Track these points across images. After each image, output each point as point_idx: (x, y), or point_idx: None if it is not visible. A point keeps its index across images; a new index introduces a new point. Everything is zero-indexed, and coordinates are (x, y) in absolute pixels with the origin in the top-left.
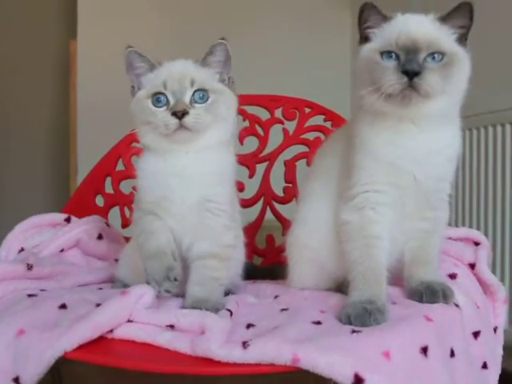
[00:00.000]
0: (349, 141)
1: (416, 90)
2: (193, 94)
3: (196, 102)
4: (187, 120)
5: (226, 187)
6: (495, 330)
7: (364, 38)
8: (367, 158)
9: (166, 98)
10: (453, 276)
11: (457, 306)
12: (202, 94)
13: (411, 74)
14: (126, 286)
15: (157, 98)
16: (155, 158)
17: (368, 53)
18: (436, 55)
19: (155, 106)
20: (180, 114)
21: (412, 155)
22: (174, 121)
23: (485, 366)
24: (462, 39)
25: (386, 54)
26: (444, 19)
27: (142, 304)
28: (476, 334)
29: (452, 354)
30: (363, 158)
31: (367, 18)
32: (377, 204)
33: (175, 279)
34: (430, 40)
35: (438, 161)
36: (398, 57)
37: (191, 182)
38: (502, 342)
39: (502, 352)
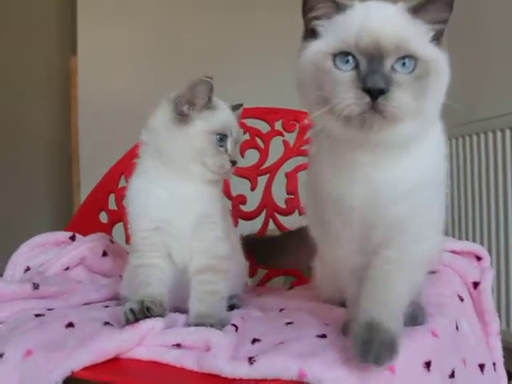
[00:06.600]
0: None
1: (380, 113)
2: None
3: None
4: None
5: (218, 201)
6: (494, 365)
7: (310, 32)
8: (312, 187)
9: None
10: (461, 298)
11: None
12: None
13: (375, 93)
14: None
15: None
16: (148, 183)
17: (316, 55)
18: (407, 61)
19: None
20: None
21: (363, 195)
22: None
23: None
24: (439, 37)
25: (341, 57)
26: (417, 11)
27: (151, 335)
28: (482, 366)
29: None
30: (309, 185)
31: (315, 3)
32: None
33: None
34: (400, 40)
35: (400, 196)
36: (356, 62)
37: (189, 204)
38: (505, 379)
39: None
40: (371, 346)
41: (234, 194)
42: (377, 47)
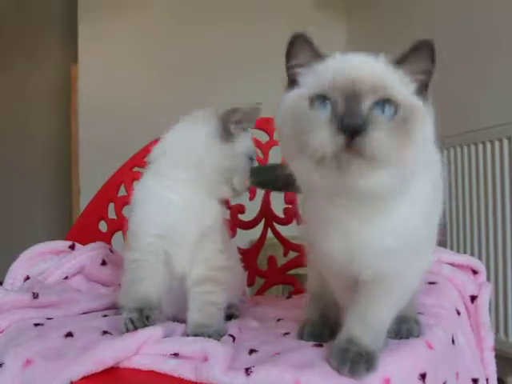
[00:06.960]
0: None
1: (358, 153)
2: None
3: None
4: None
5: (220, 214)
6: (487, 380)
7: (291, 82)
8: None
9: None
10: (458, 312)
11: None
12: None
13: (351, 131)
14: None
15: None
16: (162, 188)
17: (293, 100)
18: (387, 107)
19: None
20: None
21: (341, 248)
22: None
23: None
24: (423, 90)
25: (319, 100)
26: (399, 62)
27: (149, 343)
28: (475, 381)
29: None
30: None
31: (296, 52)
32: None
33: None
34: (377, 80)
35: (385, 251)
36: (334, 105)
37: (197, 215)
38: None
39: None
40: (348, 356)
41: (232, 203)
42: (352, 86)
